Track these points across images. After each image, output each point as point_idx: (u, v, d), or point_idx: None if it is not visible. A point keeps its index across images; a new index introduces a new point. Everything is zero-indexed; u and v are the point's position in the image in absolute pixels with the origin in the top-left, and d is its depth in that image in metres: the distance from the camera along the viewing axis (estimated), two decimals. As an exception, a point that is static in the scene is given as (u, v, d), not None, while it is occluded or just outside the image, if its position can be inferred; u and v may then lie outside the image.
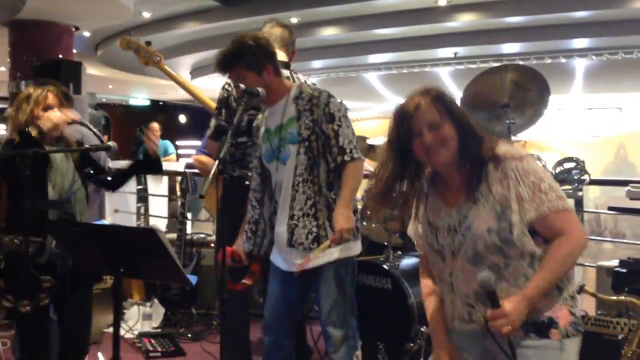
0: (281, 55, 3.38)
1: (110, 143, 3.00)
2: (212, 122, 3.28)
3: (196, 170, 5.63)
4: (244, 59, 2.70)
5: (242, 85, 3.15)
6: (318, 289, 2.80)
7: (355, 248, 2.82)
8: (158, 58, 3.90)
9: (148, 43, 4.02)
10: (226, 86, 3.24)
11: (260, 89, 3.13)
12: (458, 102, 1.99)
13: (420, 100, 1.93)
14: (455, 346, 2.06)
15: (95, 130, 3.44)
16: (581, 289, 2.58)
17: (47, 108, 2.99)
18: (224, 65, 2.74)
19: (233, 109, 3.19)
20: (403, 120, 1.94)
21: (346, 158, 2.70)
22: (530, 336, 1.88)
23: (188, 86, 4.11)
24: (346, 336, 2.77)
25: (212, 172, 2.62)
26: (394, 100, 13.58)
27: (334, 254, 2.73)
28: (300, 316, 3.20)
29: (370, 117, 16.49)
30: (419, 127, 1.92)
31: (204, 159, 4.13)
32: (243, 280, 2.90)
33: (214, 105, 3.44)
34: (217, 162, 2.64)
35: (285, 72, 3.30)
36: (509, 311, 1.76)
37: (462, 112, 1.96)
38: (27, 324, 2.77)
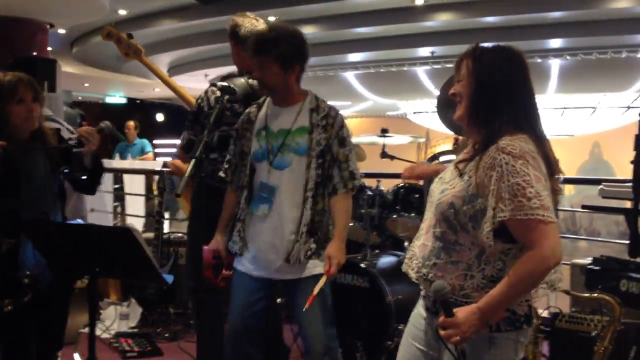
0: None
1: (102, 124, 2.91)
2: (184, 134, 3.20)
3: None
4: (279, 49, 2.63)
5: (219, 84, 3.11)
6: (297, 302, 2.74)
7: None
8: (139, 50, 3.86)
9: (130, 35, 3.97)
10: (200, 101, 3.15)
11: (236, 89, 3.10)
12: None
13: (467, 52, 1.95)
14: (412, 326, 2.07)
15: (70, 127, 3.39)
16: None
17: (20, 100, 2.76)
18: (258, 46, 2.66)
19: (203, 125, 3.04)
20: (456, 70, 1.99)
21: (356, 184, 2.74)
22: (487, 329, 1.85)
23: (168, 80, 4.06)
24: (327, 348, 2.75)
25: (189, 171, 2.61)
26: (372, 99, 13.63)
27: (317, 268, 2.71)
28: (272, 321, 3.15)
29: (348, 115, 16.52)
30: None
31: (178, 162, 4.11)
32: (224, 271, 2.84)
33: (193, 100, 3.37)
34: (193, 160, 2.63)
35: None
36: (459, 321, 1.74)
37: (492, 81, 1.87)
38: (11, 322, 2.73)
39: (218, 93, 3.05)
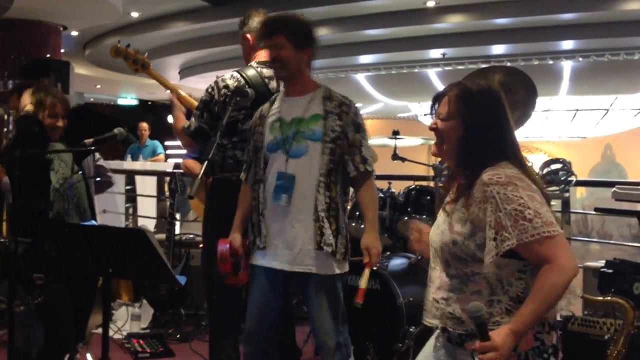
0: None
1: (116, 130, 3.04)
2: (192, 120, 3.26)
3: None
4: (288, 27, 2.73)
5: (231, 85, 3.17)
6: (311, 299, 2.77)
7: (347, 264, 2.84)
8: (147, 64, 3.93)
9: (136, 51, 4.04)
10: (210, 90, 3.23)
11: (249, 90, 3.15)
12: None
13: (451, 88, 1.96)
14: None
15: None
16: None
17: (53, 115, 3.04)
18: (268, 28, 2.76)
19: (214, 112, 3.18)
20: (433, 103, 2.00)
21: (368, 168, 2.77)
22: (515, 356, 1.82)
23: (177, 90, 4.13)
24: (339, 345, 2.77)
25: (201, 172, 2.64)
26: (382, 101, 13.61)
27: (335, 268, 2.74)
28: (285, 323, 3.17)
29: (359, 117, 16.48)
30: (437, 111, 1.97)
31: (191, 163, 4.15)
32: (241, 271, 2.85)
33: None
34: (205, 162, 2.66)
35: (269, 72, 3.26)
36: (498, 345, 1.71)
37: (484, 121, 1.89)
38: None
39: (228, 82, 3.18)
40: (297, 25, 2.77)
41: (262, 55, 3.30)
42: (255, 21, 3.34)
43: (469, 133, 1.89)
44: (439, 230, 1.96)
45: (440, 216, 2.00)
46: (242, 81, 3.20)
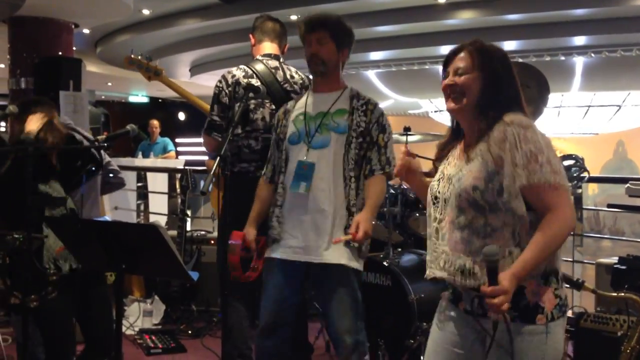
0: (273, 48, 3.45)
1: (128, 127, 3.07)
2: (207, 119, 3.34)
3: (196, 168, 5.66)
4: (334, 26, 2.80)
5: (243, 81, 3.21)
6: (329, 293, 2.75)
7: (361, 261, 2.82)
8: (159, 71, 4.02)
9: (149, 58, 4.12)
10: (218, 83, 3.29)
11: (261, 87, 3.19)
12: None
13: (462, 47, 2.00)
14: (448, 333, 2.05)
15: (85, 134, 3.46)
16: (581, 286, 2.60)
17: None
18: (313, 22, 2.81)
19: (224, 103, 3.23)
20: (445, 65, 2.02)
21: (391, 171, 2.78)
22: (517, 322, 1.87)
23: (188, 95, 4.21)
24: (357, 342, 2.76)
25: (214, 168, 2.65)
26: (393, 98, 13.58)
27: (352, 262, 2.74)
28: (300, 319, 3.17)
29: (369, 114, 16.46)
30: (449, 70, 2.00)
31: (211, 163, 4.20)
32: (253, 265, 2.85)
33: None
34: (218, 158, 2.67)
35: (275, 63, 3.35)
36: (508, 288, 1.75)
37: (503, 73, 1.95)
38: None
39: (235, 72, 3.25)
40: (340, 25, 2.83)
41: (266, 48, 3.42)
42: (259, 21, 3.50)
43: (491, 83, 1.94)
44: (456, 177, 1.95)
45: (451, 165, 2.01)
46: (250, 72, 3.25)
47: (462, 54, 1.99)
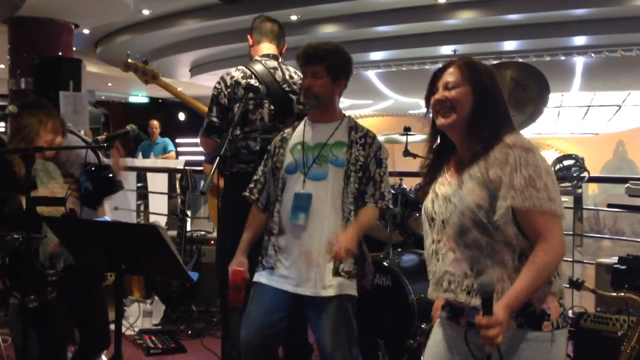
0: (271, 48, 3.45)
1: (128, 127, 3.06)
2: (205, 120, 3.34)
3: (196, 168, 5.66)
4: (331, 60, 2.74)
5: (242, 82, 3.21)
6: (323, 325, 2.71)
7: (355, 288, 2.78)
8: (156, 74, 4.02)
9: (145, 62, 4.13)
10: (217, 85, 3.30)
11: (261, 86, 3.19)
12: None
13: (451, 63, 2.00)
14: (443, 346, 2.05)
15: (84, 137, 3.46)
16: (581, 286, 2.60)
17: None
18: (309, 56, 2.75)
19: (223, 105, 3.24)
20: (432, 81, 2.02)
21: (384, 206, 2.76)
22: (524, 329, 1.87)
23: (184, 97, 4.22)
24: None
25: (213, 168, 2.65)
26: (393, 98, 13.59)
27: (349, 289, 2.71)
28: (299, 319, 3.14)
29: (369, 114, 16.48)
30: (438, 86, 1.99)
31: (209, 166, 4.24)
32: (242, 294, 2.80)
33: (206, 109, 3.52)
34: (218, 158, 2.67)
35: (273, 63, 3.36)
36: (503, 320, 1.75)
37: (492, 87, 1.95)
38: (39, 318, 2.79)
39: (234, 74, 3.26)
40: (337, 57, 2.77)
41: (265, 48, 3.43)
42: (257, 22, 3.50)
43: (481, 96, 1.94)
44: (456, 196, 1.93)
45: (449, 187, 1.98)
46: (249, 72, 3.25)
47: (450, 69, 1.98)
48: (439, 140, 2.09)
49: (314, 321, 2.77)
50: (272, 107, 3.23)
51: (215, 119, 3.26)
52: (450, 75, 1.97)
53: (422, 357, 3.46)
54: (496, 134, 1.91)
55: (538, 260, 1.82)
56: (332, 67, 2.74)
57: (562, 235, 1.87)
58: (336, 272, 2.69)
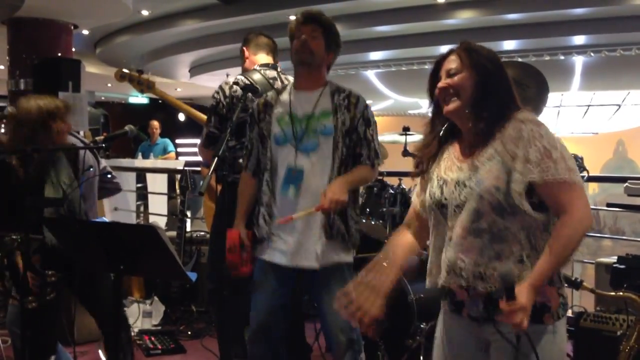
0: (269, 59, 3.48)
1: (127, 127, 3.05)
2: (204, 131, 3.31)
3: (195, 168, 5.66)
4: (329, 26, 2.80)
5: (235, 86, 3.21)
6: (322, 293, 2.74)
7: (351, 253, 2.80)
8: (151, 83, 4.03)
9: (140, 71, 4.14)
10: (215, 94, 3.27)
11: (258, 87, 3.19)
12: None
13: (451, 50, 2.00)
14: (449, 338, 2.05)
15: (81, 138, 3.46)
16: (579, 285, 2.59)
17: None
18: (311, 15, 2.81)
19: (222, 115, 3.22)
20: (435, 70, 2.01)
21: (379, 162, 2.78)
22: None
23: (180, 105, 4.22)
24: (351, 341, 2.75)
25: (211, 168, 2.65)
26: (393, 98, 13.59)
27: (344, 257, 2.72)
28: (295, 319, 3.15)
29: (369, 114, 16.45)
30: (441, 74, 1.98)
31: (206, 170, 4.22)
32: (247, 259, 2.80)
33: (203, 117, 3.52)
34: (215, 159, 2.67)
35: (272, 73, 3.35)
36: (526, 304, 1.73)
37: (494, 68, 1.95)
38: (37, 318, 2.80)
39: (232, 84, 3.25)
40: (334, 28, 2.83)
41: (263, 58, 3.45)
42: (252, 36, 3.56)
43: (483, 79, 1.93)
44: (472, 180, 1.89)
45: (460, 171, 1.94)
46: (248, 82, 3.23)
47: (451, 56, 1.99)
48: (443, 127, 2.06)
49: (314, 290, 2.81)
50: None
51: (213, 130, 3.23)
52: (451, 62, 1.97)
53: (421, 357, 3.46)
54: (503, 111, 1.90)
55: (561, 235, 1.79)
56: (328, 33, 2.79)
57: (586, 204, 1.83)
58: (329, 234, 2.69)
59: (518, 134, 1.85)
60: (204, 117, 3.54)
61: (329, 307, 2.71)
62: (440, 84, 1.97)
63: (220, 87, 3.29)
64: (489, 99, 1.92)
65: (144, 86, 4.01)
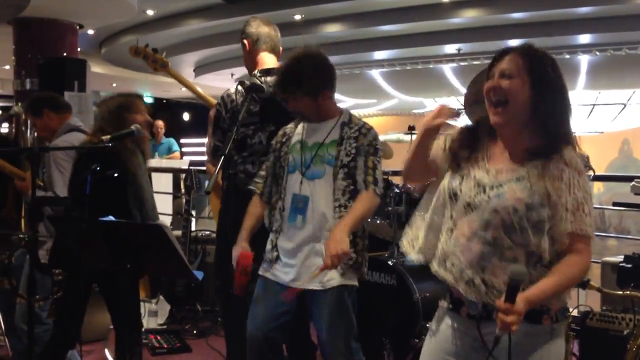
0: (272, 60, 3.34)
1: (133, 126, 3.05)
2: (211, 143, 3.29)
3: (200, 168, 5.66)
4: (304, 81, 2.72)
5: (247, 82, 3.18)
6: (319, 316, 2.72)
7: (356, 277, 2.76)
8: (165, 63, 3.99)
9: (155, 50, 4.09)
10: (217, 107, 3.24)
11: (264, 86, 3.17)
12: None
13: (511, 49, 1.93)
14: (443, 339, 2.04)
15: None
16: (586, 284, 2.59)
17: None
18: (283, 85, 2.78)
19: (224, 129, 3.18)
20: (491, 64, 1.94)
21: (377, 191, 2.73)
22: (523, 322, 1.82)
23: (193, 87, 4.19)
24: None
25: (217, 167, 2.65)
26: (397, 97, 13.57)
27: (337, 279, 2.69)
28: (302, 318, 3.12)
29: (373, 113, 16.46)
30: (494, 72, 1.90)
31: (212, 166, 4.20)
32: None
33: (214, 102, 3.45)
34: (222, 157, 2.67)
35: (273, 78, 3.27)
36: (521, 311, 1.73)
37: (555, 80, 1.88)
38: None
39: (233, 96, 3.18)
40: (315, 79, 2.74)
41: (265, 62, 3.32)
42: (253, 27, 3.34)
43: (541, 90, 1.85)
44: (494, 191, 1.87)
45: (485, 174, 1.91)
46: (253, 82, 3.18)
47: (509, 56, 1.90)
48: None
49: (314, 312, 2.79)
50: (272, 128, 3.13)
51: (218, 143, 3.22)
52: (507, 62, 1.88)
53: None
54: (556, 140, 1.86)
55: (570, 270, 1.84)
56: (308, 90, 2.73)
57: (590, 257, 1.90)
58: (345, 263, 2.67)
59: (559, 175, 1.84)
60: (214, 101, 3.49)
61: (329, 333, 2.70)
62: (490, 83, 1.90)
63: (222, 98, 3.23)
64: (541, 118, 1.86)
65: (158, 65, 3.99)
